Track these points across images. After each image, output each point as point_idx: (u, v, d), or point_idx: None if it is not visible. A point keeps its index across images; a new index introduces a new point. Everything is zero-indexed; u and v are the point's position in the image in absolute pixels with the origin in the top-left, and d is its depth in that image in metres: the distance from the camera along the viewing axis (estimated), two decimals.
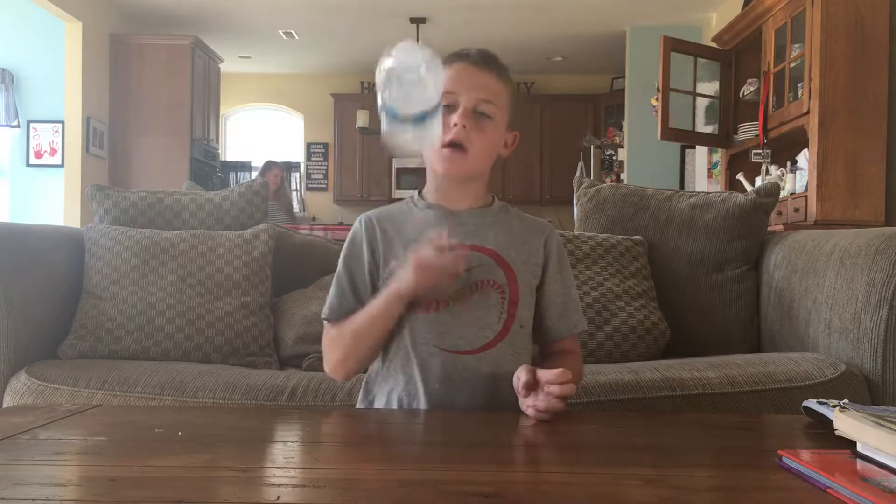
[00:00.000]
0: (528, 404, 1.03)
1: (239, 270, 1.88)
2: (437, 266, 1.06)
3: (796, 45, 3.70)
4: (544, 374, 1.01)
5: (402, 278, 1.09)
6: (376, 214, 1.23)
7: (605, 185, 2.11)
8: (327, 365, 1.18)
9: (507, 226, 1.23)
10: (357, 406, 1.27)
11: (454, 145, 1.14)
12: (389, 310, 1.11)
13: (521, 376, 1.04)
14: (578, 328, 1.25)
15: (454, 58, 1.19)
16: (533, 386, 1.03)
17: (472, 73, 1.17)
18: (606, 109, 7.69)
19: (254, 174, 7.75)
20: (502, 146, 1.22)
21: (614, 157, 6.75)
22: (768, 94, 3.94)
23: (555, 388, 0.99)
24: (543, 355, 1.26)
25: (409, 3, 5.91)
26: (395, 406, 1.17)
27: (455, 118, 1.14)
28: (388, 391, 1.18)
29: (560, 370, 1.00)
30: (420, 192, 1.26)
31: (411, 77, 0.96)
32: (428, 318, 1.14)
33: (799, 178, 3.71)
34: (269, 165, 5.73)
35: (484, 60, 1.18)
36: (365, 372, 1.25)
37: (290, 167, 7.83)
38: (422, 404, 1.14)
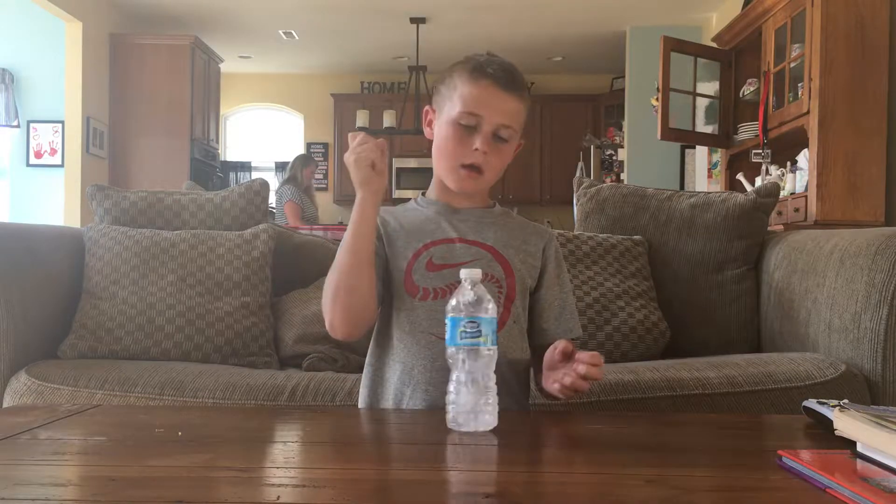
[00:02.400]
0: (555, 379, 1.05)
1: (239, 270, 1.88)
2: (362, 150, 1.08)
3: (796, 45, 3.70)
4: (580, 354, 1.03)
5: (354, 182, 1.11)
6: (382, 210, 1.24)
7: (605, 185, 2.11)
8: (325, 317, 1.13)
9: (508, 227, 1.26)
10: (359, 402, 1.27)
11: (471, 167, 1.17)
12: (363, 214, 1.11)
13: (558, 346, 1.07)
14: (574, 333, 1.27)
15: (478, 73, 1.16)
16: (569, 357, 1.05)
17: (497, 97, 1.16)
18: (606, 109, 7.69)
19: (254, 174, 7.75)
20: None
21: (614, 157, 6.75)
22: (768, 94, 3.94)
23: (581, 367, 1.00)
24: (537, 358, 1.26)
25: (409, 3, 5.91)
26: (392, 395, 1.18)
27: (477, 143, 1.15)
28: (386, 379, 1.19)
29: (594, 353, 1.02)
30: (423, 194, 1.28)
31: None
32: (426, 306, 1.15)
33: (799, 178, 3.71)
34: (308, 161, 5.64)
35: (509, 82, 1.17)
36: (365, 357, 1.25)
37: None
38: (418, 392, 1.15)
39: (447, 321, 0.98)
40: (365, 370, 1.25)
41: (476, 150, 1.15)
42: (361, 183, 1.09)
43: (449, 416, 0.97)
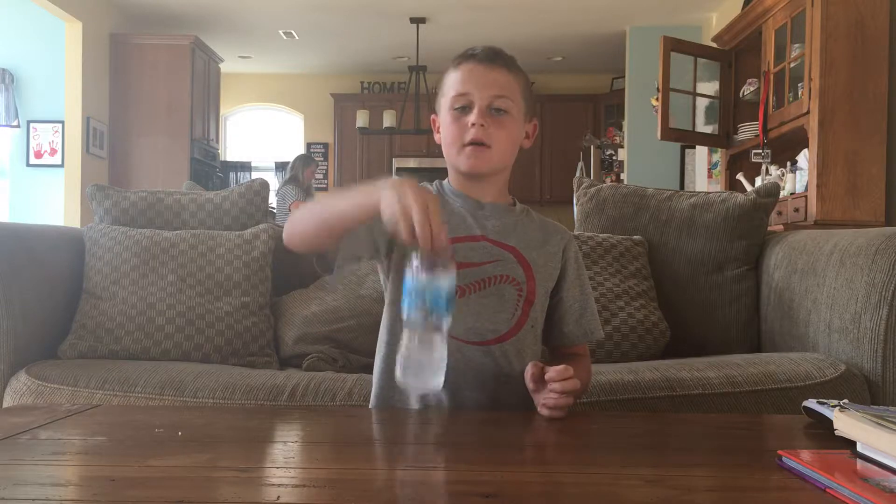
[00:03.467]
0: (540, 403, 1.05)
1: (239, 270, 1.88)
2: (416, 223, 0.95)
3: (796, 45, 3.70)
4: (548, 372, 1.03)
5: (388, 196, 0.97)
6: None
7: (605, 185, 2.11)
8: (287, 229, 1.18)
9: (529, 227, 1.25)
10: (371, 400, 1.26)
11: (476, 143, 1.16)
12: (355, 207, 1.05)
13: (529, 369, 1.07)
14: (595, 335, 1.27)
15: (461, 59, 1.19)
16: (540, 378, 1.05)
17: (481, 72, 1.17)
18: (606, 109, 7.69)
19: (254, 174, 7.74)
20: (523, 137, 1.23)
21: (614, 157, 6.75)
22: (768, 94, 3.94)
23: (556, 386, 1.02)
24: (555, 359, 1.26)
25: (409, 3, 5.91)
26: (401, 391, 1.16)
27: (472, 118, 1.15)
28: (392, 372, 1.18)
29: (561, 367, 1.02)
30: (448, 180, 1.26)
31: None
32: None
33: (799, 178, 3.71)
34: (308, 161, 5.64)
35: (491, 57, 1.18)
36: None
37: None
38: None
39: (404, 296, 0.98)
40: (375, 364, 1.24)
41: (473, 125, 1.15)
42: (393, 221, 0.97)
43: (398, 373, 0.99)
